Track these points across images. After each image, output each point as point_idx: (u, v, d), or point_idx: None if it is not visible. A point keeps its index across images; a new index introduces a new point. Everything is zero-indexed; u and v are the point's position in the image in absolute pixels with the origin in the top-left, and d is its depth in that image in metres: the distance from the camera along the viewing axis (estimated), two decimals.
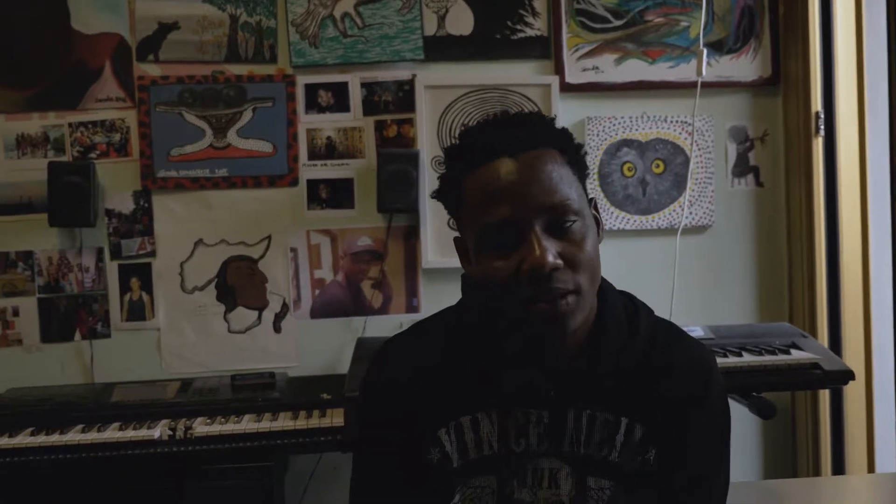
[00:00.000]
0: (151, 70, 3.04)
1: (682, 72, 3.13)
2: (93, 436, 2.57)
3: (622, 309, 1.29)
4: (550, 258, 1.11)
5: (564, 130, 1.24)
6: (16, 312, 3.04)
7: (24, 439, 2.56)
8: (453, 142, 1.27)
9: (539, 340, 1.20)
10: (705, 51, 3.00)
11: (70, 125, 3.03)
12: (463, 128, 1.28)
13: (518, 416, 1.24)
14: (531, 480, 1.25)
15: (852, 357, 2.85)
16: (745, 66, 3.16)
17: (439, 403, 1.26)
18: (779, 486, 2.45)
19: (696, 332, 2.70)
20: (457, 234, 1.29)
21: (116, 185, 3.05)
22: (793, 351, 2.64)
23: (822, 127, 2.98)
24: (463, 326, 1.30)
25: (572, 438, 1.24)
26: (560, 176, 1.16)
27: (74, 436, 2.58)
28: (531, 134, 1.18)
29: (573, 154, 1.21)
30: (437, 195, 1.29)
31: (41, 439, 2.57)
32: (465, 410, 1.26)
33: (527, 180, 1.14)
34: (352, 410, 2.61)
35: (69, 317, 3.06)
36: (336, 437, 2.61)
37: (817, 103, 3.00)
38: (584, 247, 1.15)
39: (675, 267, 3.03)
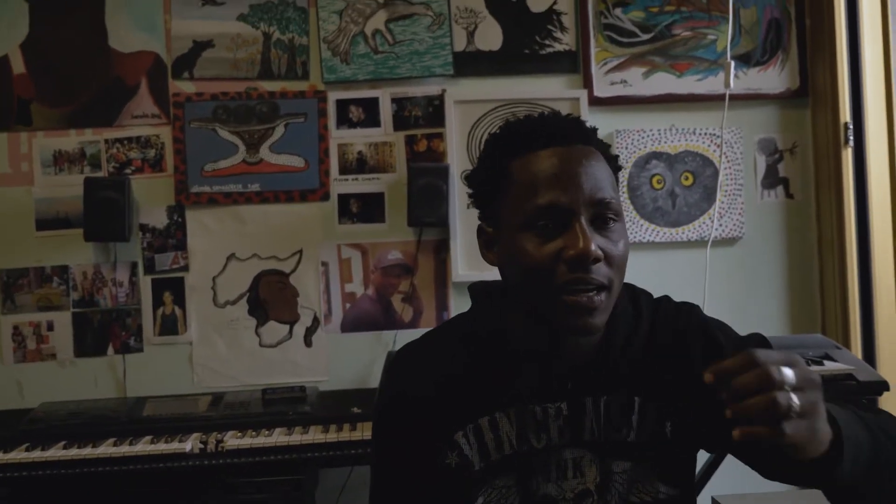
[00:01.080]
0: (186, 87, 3.10)
1: (710, 84, 3.15)
2: (125, 449, 2.59)
3: (626, 298, 1.32)
4: (594, 248, 1.13)
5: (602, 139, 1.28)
6: (50, 327, 3.08)
7: (56, 452, 2.58)
8: (495, 133, 1.30)
9: (563, 332, 1.20)
10: (733, 63, 3.01)
11: (106, 141, 3.09)
12: (505, 121, 1.30)
13: (537, 411, 1.25)
14: (555, 474, 1.26)
15: (887, 368, 2.83)
16: (772, 78, 3.17)
17: (455, 407, 1.27)
18: (818, 496, 2.41)
19: None
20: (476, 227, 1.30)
21: (151, 200, 3.10)
22: (826, 362, 2.61)
23: (852, 138, 2.98)
24: (476, 330, 1.32)
25: (592, 426, 1.26)
26: (606, 175, 1.21)
27: (106, 449, 2.59)
28: (581, 130, 1.23)
29: (612, 160, 1.25)
30: (475, 178, 1.30)
31: (73, 452, 2.59)
32: (482, 412, 1.26)
33: (580, 170, 1.17)
34: None
35: (103, 331, 3.09)
36: (367, 450, 2.60)
37: (846, 114, 3.00)
38: (620, 247, 1.19)
39: (705, 279, 3.02)
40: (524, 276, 1.18)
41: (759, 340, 1.32)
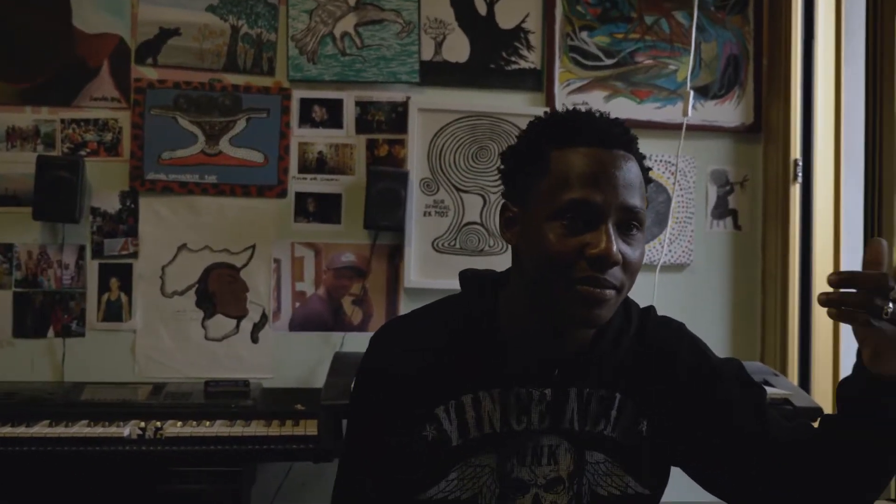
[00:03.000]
0: (149, 73, 3.06)
1: (669, 113, 3.22)
2: (60, 430, 2.54)
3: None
4: (616, 251, 1.17)
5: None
6: None
7: None
8: (540, 118, 1.33)
9: (568, 321, 1.24)
10: (692, 93, 3.10)
11: (62, 121, 3.03)
12: (554, 110, 1.33)
13: (521, 394, 1.29)
14: (531, 458, 1.30)
15: (821, 395, 2.91)
16: (728, 111, 3.27)
17: (438, 382, 1.29)
18: None
19: None
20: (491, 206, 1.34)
21: (104, 184, 3.04)
22: (764, 387, 2.68)
23: (801, 174, 3.08)
24: (467, 311, 1.34)
25: (573, 416, 1.30)
26: (639, 184, 1.23)
27: (41, 429, 2.54)
28: (625, 136, 1.25)
29: (645, 172, 1.28)
30: (511, 156, 1.32)
31: (6, 430, 2.52)
32: (466, 389, 1.29)
33: (617, 174, 1.20)
34: (327, 420, 2.60)
35: (44, 313, 3.02)
36: (309, 445, 2.59)
37: (796, 151, 3.10)
38: (638, 254, 1.23)
39: (652, 302, 3.07)
40: (542, 262, 1.21)
41: (738, 366, 1.40)
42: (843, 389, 1.26)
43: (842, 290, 1.09)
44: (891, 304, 1.07)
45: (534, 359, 1.29)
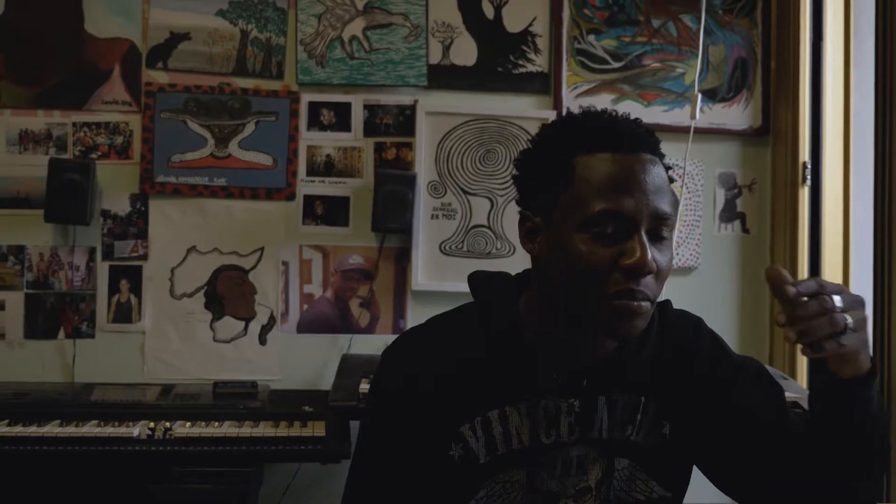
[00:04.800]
0: (159, 77, 3.09)
1: (676, 116, 3.23)
2: (70, 430, 2.56)
3: None
4: (650, 260, 1.13)
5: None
6: (1, 306, 3.03)
7: None
8: (559, 122, 1.29)
9: (603, 334, 1.21)
10: (699, 96, 3.10)
11: (74, 124, 3.06)
12: (576, 111, 1.30)
13: (549, 407, 1.25)
14: (560, 470, 1.26)
15: None
16: (736, 114, 3.27)
17: (462, 398, 1.24)
18: None
19: None
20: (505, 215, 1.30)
21: (115, 186, 3.07)
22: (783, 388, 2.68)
23: (809, 177, 3.07)
24: (489, 320, 1.28)
25: (601, 424, 1.26)
26: (668, 188, 1.19)
27: (52, 429, 2.57)
28: (651, 139, 1.22)
29: (670, 177, 1.24)
30: (529, 163, 1.26)
31: (18, 430, 2.55)
32: (493, 404, 1.24)
33: (648, 180, 1.16)
34: (334, 422, 2.63)
35: (55, 314, 3.05)
36: (317, 447, 2.61)
37: (805, 154, 3.09)
38: (668, 261, 1.18)
39: None
40: (573, 275, 1.16)
41: (758, 365, 1.38)
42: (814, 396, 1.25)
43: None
44: (847, 317, 1.08)
45: (561, 369, 1.24)
